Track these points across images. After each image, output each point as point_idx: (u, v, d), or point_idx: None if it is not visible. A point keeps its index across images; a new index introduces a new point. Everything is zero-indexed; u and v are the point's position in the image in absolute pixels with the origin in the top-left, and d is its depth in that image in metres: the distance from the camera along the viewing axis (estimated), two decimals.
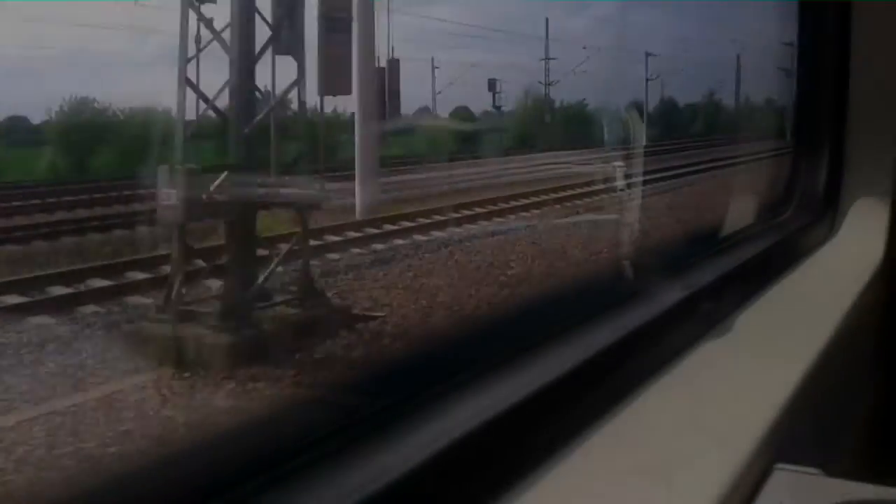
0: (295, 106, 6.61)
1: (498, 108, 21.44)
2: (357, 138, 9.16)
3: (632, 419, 0.96)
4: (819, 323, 1.49)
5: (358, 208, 9.11)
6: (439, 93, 21.42)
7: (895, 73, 2.09)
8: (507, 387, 0.86)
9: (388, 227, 9.19)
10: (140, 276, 6.28)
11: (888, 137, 2.13)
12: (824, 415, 1.46)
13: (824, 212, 2.19)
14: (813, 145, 2.23)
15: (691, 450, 0.95)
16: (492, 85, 20.82)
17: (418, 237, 9.00)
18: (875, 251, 2.07)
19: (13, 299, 5.62)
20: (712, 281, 1.45)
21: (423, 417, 0.75)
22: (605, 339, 1.06)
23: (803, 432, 1.22)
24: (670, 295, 1.31)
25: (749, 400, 1.11)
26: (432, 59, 20.76)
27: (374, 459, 0.68)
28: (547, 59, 21.80)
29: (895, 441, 1.90)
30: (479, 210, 10.46)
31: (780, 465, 1.01)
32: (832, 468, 1.09)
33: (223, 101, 5.93)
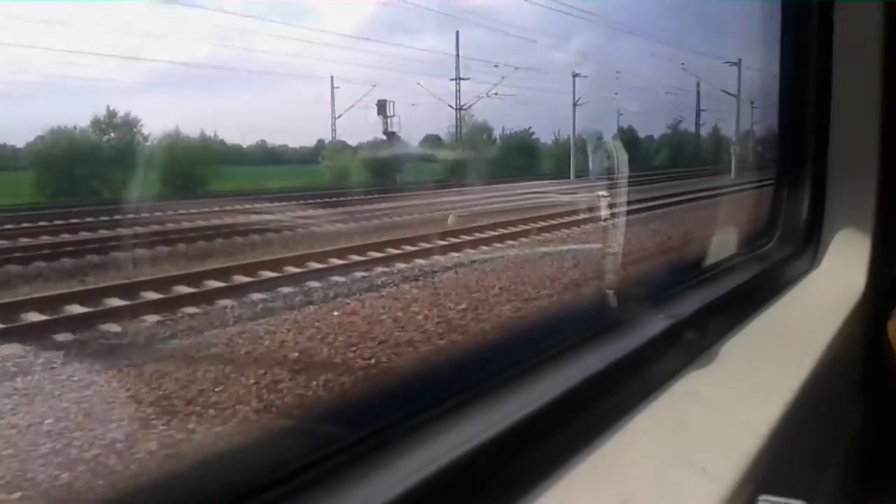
0: None
1: (391, 133, 18.84)
2: None
3: (616, 449, 0.95)
4: (802, 353, 1.50)
5: None
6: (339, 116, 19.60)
7: (874, 109, 2.12)
8: (491, 416, 0.85)
9: None
10: None
11: (868, 170, 2.16)
12: (807, 445, 1.46)
13: (807, 243, 2.20)
14: (795, 177, 2.25)
15: (675, 481, 0.95)
16: (382, 107, 18.13)
17: None
18: (857, 282, 2.08)
19: None
20: (696, 310, 1.46)
21: (405, 448, 0.75)
22: (588, 369, 1.05)
23: (787, 463, 1.22)
24: (655, 324, 1.31)
25: (733, 430, 1.11)
26: (331, 79, 19.09)
27: (355, 491, 0.67)
28: (458, 79, 20.52)
29: (877, 472, 1.90)
30: None
31: (763, 497, 1.00)
32: (815, 499, 1.09)
33: None
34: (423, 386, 0.97)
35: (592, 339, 1.19)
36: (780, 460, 1.14)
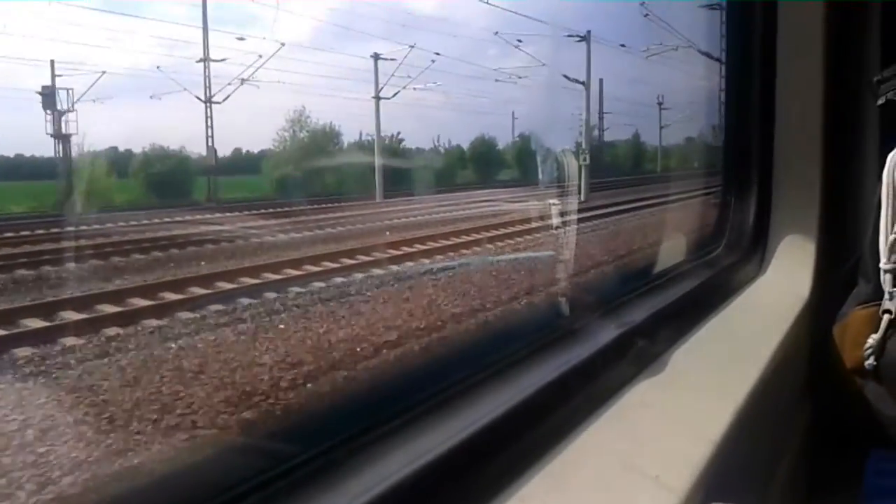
0: None
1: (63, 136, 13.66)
2: None
3: (568, 461, 0.95)
4: (751, 359, 1.51)
5: None
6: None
7: (817, 119, 2.17)
8: (441, 432, 0.84)
9: None
10: None
11: (812, 176, 2.21)
12: (757, 450, 1.47)
13: (753, 249, 2.24)
14: (741, 184, 2.28)
15: (628, 491, 0.94)
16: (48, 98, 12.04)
17: None
18: (802, 287, 2.12)
19: None
20: (646, 318, 1.46)
21: (351, 468, 0.73)
22: (540, 380, 1.05)
23: (737, 469, 1.22)
24: (606, 333, 1.31)
25: (684, 438, 1.11)
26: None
27: None
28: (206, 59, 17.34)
29: (824, 478, 1.93)
30: None
31: None
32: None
33: None
34: (368, 404, 0.95)
35: (544, 348, 1.18)
36: (730, 466, 1.14)
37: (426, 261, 9.68)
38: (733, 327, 1.74)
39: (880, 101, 1.76)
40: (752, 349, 1.59)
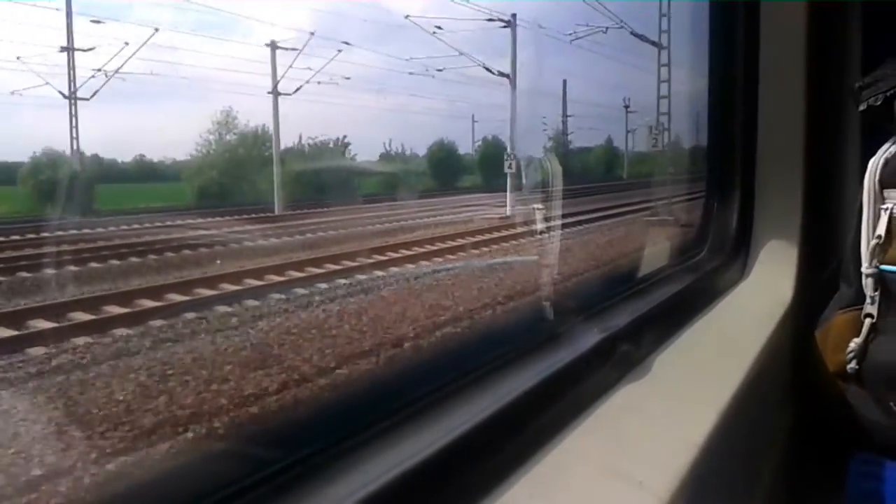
0: None
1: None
2: None
3: (551, 467, 0.94)
4: (733, 363, 1.51)
5: None
6: None
7: (799, 124, 2.18)
8: (422, 440, 0.83)
9: None
10: None
11: (794, 181, 2.22)
12: (740, 454, 1.47)
13: (736, 254, 2.24)
14: (725, 191, 2.29)
15: (612, 496, 0.94)
16: None
17: None
18: (785, 291, 2.13)
19: None
20: (629, 322, 1.46)
21: (331, 476, 0.72)
22: (522, 386, 1.04)
23: (721, 473, 1.22)
24: (589, 337, 1.31)
25: (668, 442, 1.11)
26: None
27: None
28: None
29: (808, 483, 1.94)
30: None
31: None
32: None
33: None
34: (350, 411, 0.94)
35: (526, 354, 1.18)
36: (713, 470, 1.14)
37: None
38: (716, 331, 1.75)
39: (862, 107, 1.77)
40: (735, 353, 1.60)
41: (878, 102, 1.73)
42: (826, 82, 2.19)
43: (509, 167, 16.53)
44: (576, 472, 0.95)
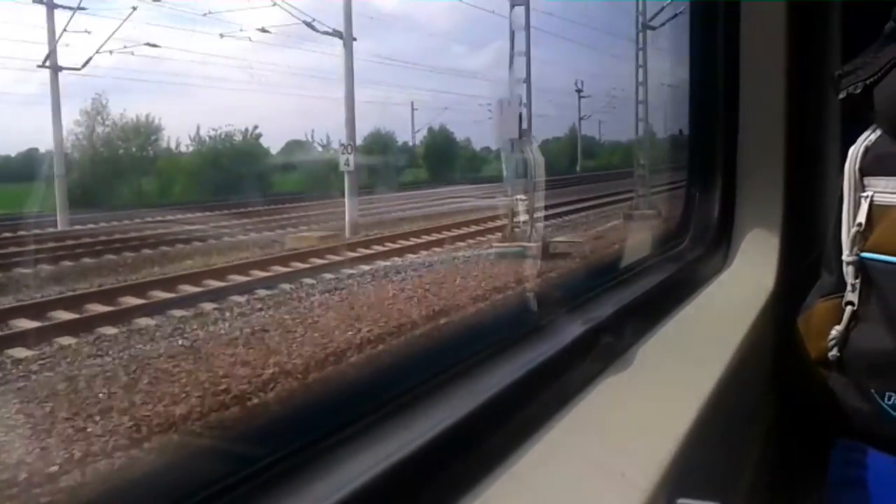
0: None
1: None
2: None
3: (534, 461, 0.94)
4: (716, 353, 1.52)
5: None
6: None
7: (780, 112, 2.19)
8: (404, 436, 0.82)
9: None
10: None
11: (776, 170, 2.22)
12: (723, 446, 1.47)
13: (718, 243, 2.25)
14: (706, 178, 2.30)
15: (594, 489, 0.94)
16: None
17: None
18: (767, 280, 2.13)
19: None
20: (612, 313, 1.46)
21: (310, 475, 0.71)
22: (505, 379, 1.04)
23: (703, 464, 1.22)
24: (570, 329, 1.30)
25: (650, 434, 1.11)
26: None
27: None
28: None
29: (790, 471, 1.95)
30: None
31: (681, 501, 1.00)
32: (732, 501, 1.10)
33: None
34: (329, 408, 0.93)
35: (509, 347, 1.17)
36: (696, 461, 1.14)
37: None
38: (698, 321, 1.75)
39: (841, 96, 1.78)
40: (718, 342, 1.60)
41: (858, 90, 1.73)
42: (807, 70, 2.20)
43: (346, 164, 13.79)
44: (557, 466, 0.95)
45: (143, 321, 7.28)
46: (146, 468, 1.04)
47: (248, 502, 0.67)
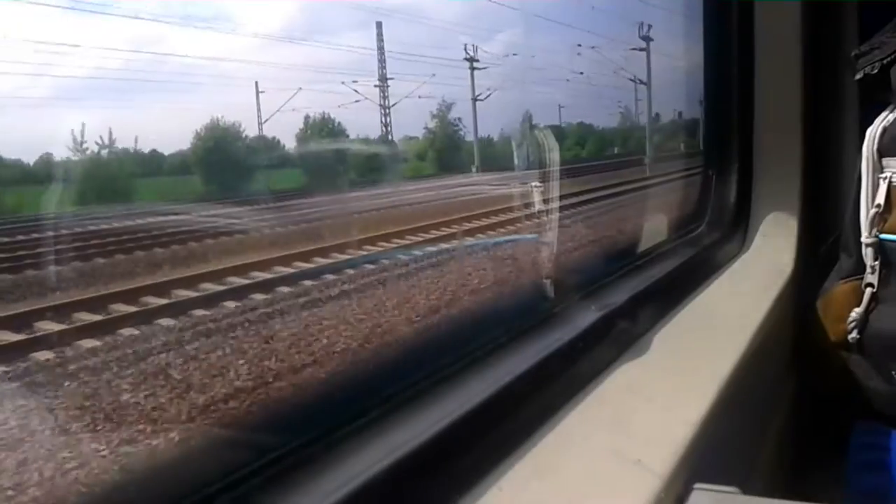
0: None
1: None
2: None
3: (548, 448, 0.94)
4: (734, 337, 1.51)
5: None
6: None
7: (797, 94, 2.16)
8: (418, 425, 0.83)
9: None
10: None
11: (794, 152, 2.20)
12: (741, 431, 1.47)
13: (736, 226, 2.23)
14: (722, 161, 2.28)
15: (610, 475, 0.94)
16: None
17: None
18: (786, 262, 2.12)
19: None
20: (628, 299, 1.45)
21: (325, 465, 0.72)
22: (519, 367, 1.04)
23: (721, 450, 1.22)
24: (586, 315, 1.30)
25: (666, 420, 1.11)
26: None
27: None
28: None
29: (809, 454, 1.94)
30: None
31: (698, 486, 1.00)
32: (750, 486, 1.09)
33: None
34: (344, 397, 0.94)
35: (523, 335, 1.17)
36: (714, 446, 1.14)
37: None
38: (716, 305, 1.74)
39: (858, 76, 1.76)
40: (735, 327, 1.59)
41: (875, 71, 1.71)
42: (823, 50, 2.18)
43: None
44: (573, 452, 0.95)
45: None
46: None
47: (257, 496, 0.67)
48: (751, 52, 2.19)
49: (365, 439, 0.78)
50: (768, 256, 2.16)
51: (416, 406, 0.87)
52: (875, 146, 1.74)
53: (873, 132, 1.75)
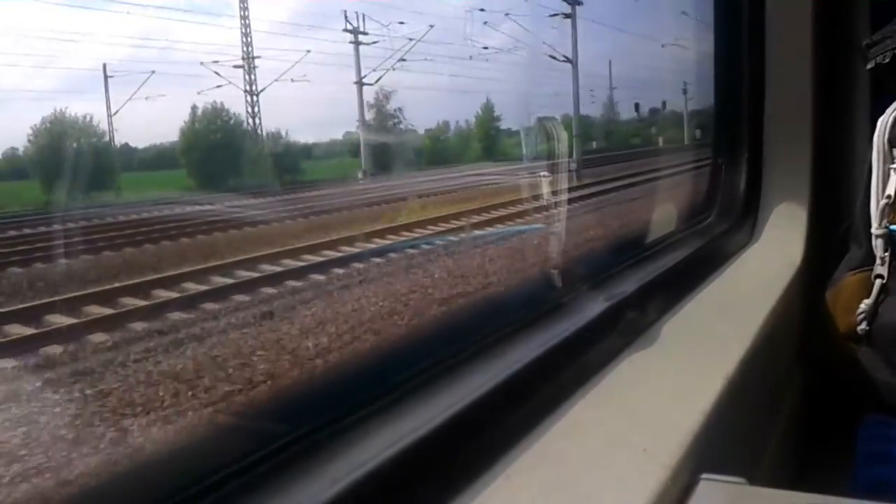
0: None
1: None
2: None
3: (555, 437, 0.94)
4: (742, 327, 1.51)
5: None
6: None
7: (807, 84, 2.15)
8: (425, 413, 0.83)
9: None
10: None
11: (804, 142, 2.19)
12: (748, 421, 1.47)
13: (745, 216, 2.23)
14: (732, 152, 2.27)
15: (617, 464, 0.94)
16: None
17: None
18: (795, 253, 2.11)
19: None
20: (636, 289, 1.45)
21: (333, 452, 0.72)
22: (526, 356, 1.04)
23: (728, 440, 1.22)
24: (595, 305, 1.30)
25: (674, 410, 1.10)
26: None
27: (279, 501, 0.65)
28: None
29: (816, 445, 1.93)
30: None
31: (705, 476, 1.00)
32: (756, 476, 1.09)
33: None
34: (352, 386, 0.94)
35: (530, 324, 1.17)
36: (721, 437, 1.14)
37: None
38: (724, 296, 1.74)
39: (870, 66, 1.75)
40: (744, 317, 1.59)
41: (887, 60, 1.70)
42: (834, 40, 2.16)
43: None
44: (580, 442, 0.95)
45: None
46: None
47: (263, 483, 0.68)
48: (761, 42, 2.18)
49: (373, 426, 0.78)
50: (777, 247, 2.15)
51: (425, 394, 0.87)
52: (886, 136, 1.73)
53: (885, 122, 1.74)
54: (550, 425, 0.96)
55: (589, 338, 1.19)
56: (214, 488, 0.64)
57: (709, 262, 1.90)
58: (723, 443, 1.16)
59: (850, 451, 1.71)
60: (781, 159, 2.23)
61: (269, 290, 6.88)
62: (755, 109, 2.22)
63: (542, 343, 1.10)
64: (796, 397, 2.02)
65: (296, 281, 7.29)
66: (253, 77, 16.50)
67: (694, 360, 1.33)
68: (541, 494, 0.84)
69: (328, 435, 0.74)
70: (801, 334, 2.02)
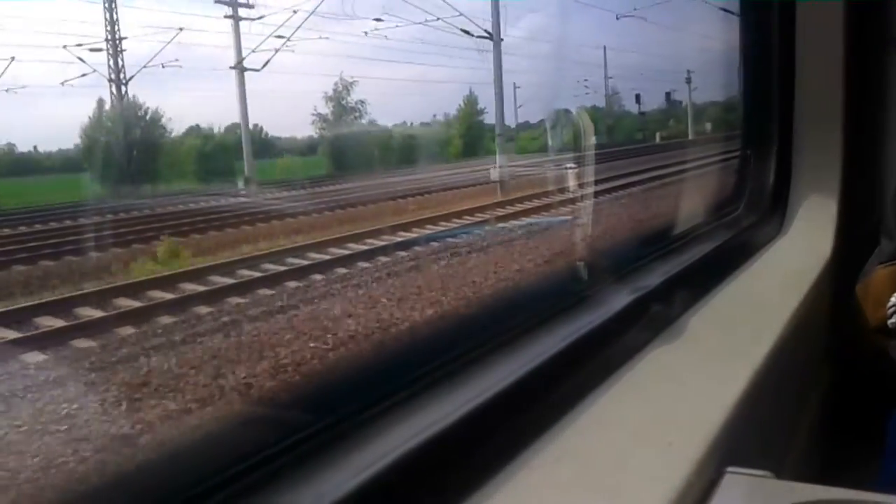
0: None
1: None
2: None
3: (579, 429, 0.94)
4: (770, 321, 1.50)
5: None
6: None
7: (838, 75, 2.13)
8: (450, 403, 0.83)
9: None
10: None
11: (834, 136, 2.17)
12: (775, 415, 1.46)
13: (773, 209, 2.21)
14: (761, 144, 2.25)
15: (641, 458, 0.94)
16: None
17: None
18: (824, 246, 2.09)
19: None
20: (662, 282, 1.45)
21: (358, 441, 0.73)
22: (550, 349, 1.04)
23: (754, 433, 1.21)
24: (619, 298, 1.30)
25: (699, 403, 1.10)
26: None
27: (304, 489, 0.65)
28: None
29: (844, 440, 1.92)
30: None
31: (730, 469, 1.00)
32: (783, 470, 1.09)
33: None
34: (377, 377, 0.95)
35: (555, 316, 1.17)
36: (747, 431, 1.14)
37: None
38: (752, 289, 1.73)
39: None
40: (772, 310, 1.58)
41: None
42: (867, 32, 2.13)
43: None
44: (604, 435, 0.96)
45: None
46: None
47: (289, 472, 0.69)
48: (792, 32, 2.15)
49: (397, 417, 0.79)
50: (807, 240, 2.13)
51: (448, 386, 0.88)
52: None
53: None
54: (574, 418, 0.97)
55: (614, 330, 1.19)
56: (240, 476, 0.65)
57: (737, 255, 1.89)
58: (749, 436, 1.15)
59: (878, 446, 1.69)
60: (811, 151, 2.20)
61: None
62: (785, 100, 2.20)
63: (566, 336, 1.10)
64: (824, 391, 2.01)
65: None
66: (120, 63, 12.79)
67: (721, 353, 1.32)
68: (564, 488, 0.84)
69: (353, 425, 0.75)
70: (831, 328, 2.00)
